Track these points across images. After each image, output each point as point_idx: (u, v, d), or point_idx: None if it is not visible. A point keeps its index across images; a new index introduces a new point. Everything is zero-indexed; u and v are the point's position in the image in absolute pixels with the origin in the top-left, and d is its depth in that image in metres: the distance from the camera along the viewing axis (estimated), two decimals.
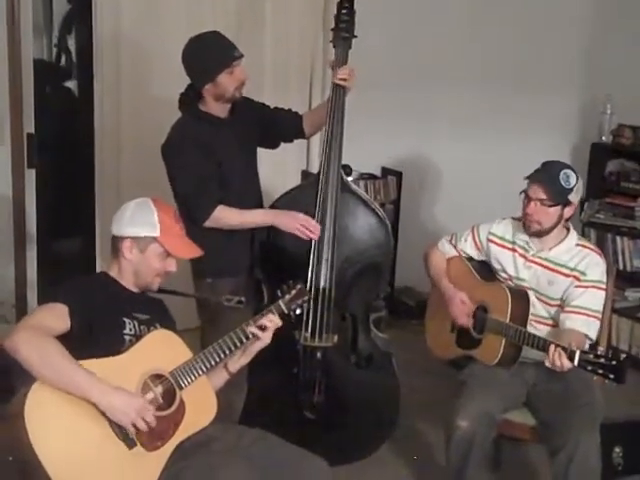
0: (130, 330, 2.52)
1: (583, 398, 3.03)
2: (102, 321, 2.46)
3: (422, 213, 5.73)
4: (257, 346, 2.66)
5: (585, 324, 3.02)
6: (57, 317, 2.39)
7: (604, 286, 3.12)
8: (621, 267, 4.95)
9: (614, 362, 2.62)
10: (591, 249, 3.17)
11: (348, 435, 3.41)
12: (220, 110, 3.26)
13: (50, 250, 4.95)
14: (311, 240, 3.23)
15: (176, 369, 2.49)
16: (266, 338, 2.65)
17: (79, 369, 2.28)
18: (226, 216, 3.19)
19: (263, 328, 2.63)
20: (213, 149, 3.19)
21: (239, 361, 2.68)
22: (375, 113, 5.16)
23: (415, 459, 3.71)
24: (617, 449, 3.58)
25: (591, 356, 2.68)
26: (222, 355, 2.56)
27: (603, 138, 5.26)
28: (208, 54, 3.15)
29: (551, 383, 3.10)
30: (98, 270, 4.51)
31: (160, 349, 2.51)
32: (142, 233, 2.56)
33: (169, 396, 2.47)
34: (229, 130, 3.26)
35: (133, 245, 2.57)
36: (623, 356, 2.63)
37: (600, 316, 3.08)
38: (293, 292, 2.73)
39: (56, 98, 5.30)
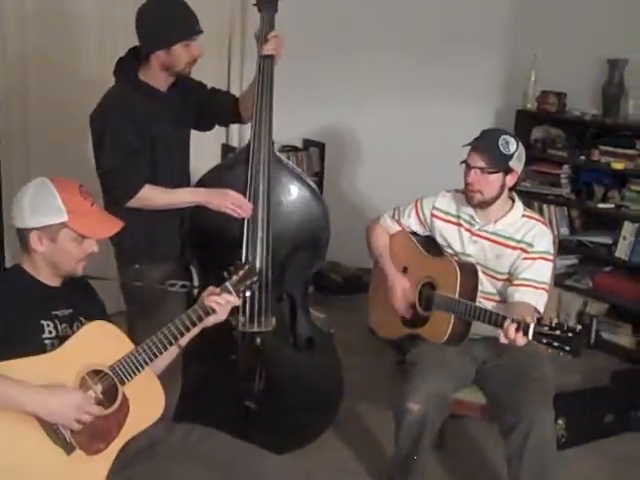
0: (50, 333, 2.27)
1: (534, 372, 2.96)
2: (16, 330, 2.19)
3: (346, 185, 5.63)
4: (210, 321, 2.48)
5: (534, 296, 2.93)
6: None
7: (551, 257, 3.04)
8: None
9: (570, 334, 2.51)
10: (537, 220, 3.08)
11: (292, 422, 3.26)
12: (161, 82, 3.00)
13: None
14: (243, 218, 3.04)
15: (117, 363, 2.27)
16: (222, 314, 2.48)
17: (4, 381, 2.05)
18: (150, 196, 2.94)
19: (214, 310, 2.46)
20: (147, 123, 2.93)
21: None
22: (295, 83, 4.87)
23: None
24: (560, 421, 3.55)
25: (546, 328, 2.56)
26: (169, 343, 2.35)
27: (528, 105, 5.24)
28: (170, 19, 2.89)
29: (500, 358, 3.03)
30: (9, 264, 4.15)
31: (97, 342, 2.28)
32: (48, 221, 2.24)
33: (111, 393, 2.26)
34: (167, 106, 3.02)
35: (42, 236, 2.26)
36: (579, 327, 2.52)
37: (548, 287, 2.99)
38: (241, 273, 2.52)
39: None
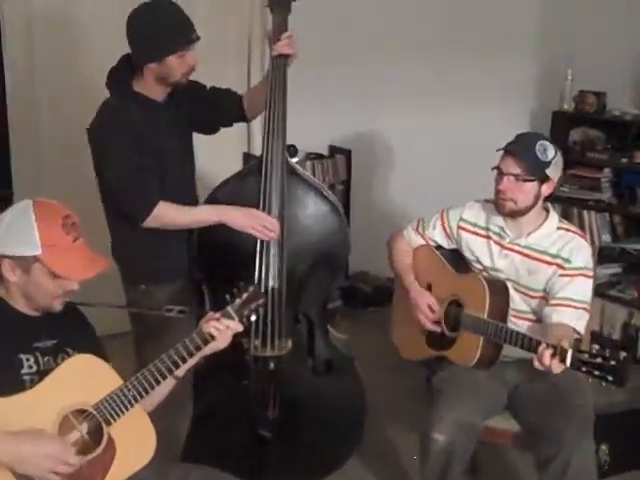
0: (30, 368, 2.07)
1: (574, 399, 2.72)
2: None
3: (374, 192, 5.43)
4: (210, 349, 2.28)
5: (574, 317, 2.68)
6: None
7: (591, 273, 2.79)
8: None
9: (613, 362, 2.28)
10: (574, 232, 2.84)
11: (310, 452, 3.04)
12: (157, 93, 2.79)
13: None
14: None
15: (102, 401, 2.07)
16: (222, 341, 2.27)
17: None
18: (169, 214, 2.74)
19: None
20: (149, 137, 2.73)
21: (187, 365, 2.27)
22: (318, 88, 4.83)
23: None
24: (603, 446, 3.31)
25: (586, 355, 2.34)
26: (162, 376, 2.15)
27: (565, 106, 5.01)
28: (162, 29, 2.67)
29: (535, 383, 2.78)
30: None
31: (80, 378, 2.08)
32: (20, 252, 2.03)
33: (98, 433, 2.06)
34: (165, 115, 2.81)
35: (14, 266, 2.05)
36: (623, 355, 2.30)
37: (589, 307, 2.75)
38: (245, 295, 2.30)
39: None
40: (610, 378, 2.28)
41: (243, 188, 2.90)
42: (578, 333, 2.68)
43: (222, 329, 2.25)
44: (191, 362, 2.25)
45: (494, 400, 2.82)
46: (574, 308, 2.69)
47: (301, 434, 3.02)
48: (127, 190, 2.70)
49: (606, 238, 4.77)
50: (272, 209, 2.83)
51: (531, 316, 2.84)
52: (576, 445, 2.58)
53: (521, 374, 2.83)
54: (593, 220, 4.81)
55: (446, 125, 5.19)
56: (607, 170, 4.80)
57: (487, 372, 2.80)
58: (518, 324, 2.79)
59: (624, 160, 4.67)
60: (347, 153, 5.13)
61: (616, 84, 4.82)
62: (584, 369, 2.33)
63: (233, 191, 2.90)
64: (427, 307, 2.94)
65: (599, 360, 2.30)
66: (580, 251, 2.77)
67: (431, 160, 5.19)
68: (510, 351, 2.71)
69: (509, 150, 2.75)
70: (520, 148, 2.73)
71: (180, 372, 2.25)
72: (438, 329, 2.92)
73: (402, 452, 3.50)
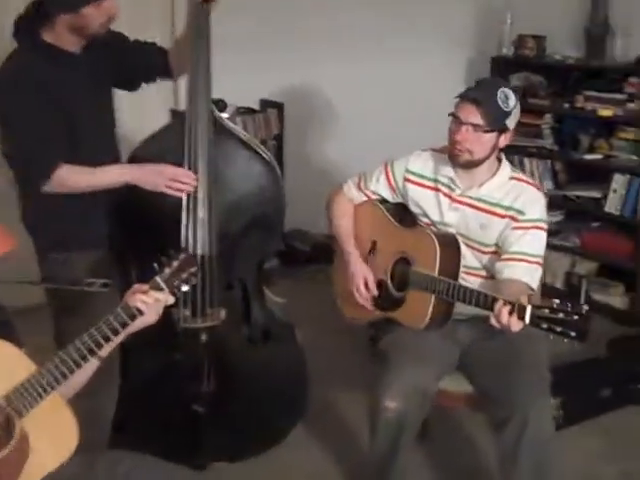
0: None
1: (528, 356, 2.57)
2: None
3: (309, 147, 5.19)
4: (137, 325, 2.04)
5: (527, 272, 2.52)
6: None
7: (545, 225, 2.62)
8: None
9: (575, 316, 2.11)
10: (528, 182, 2.66)
11: (250, 426, 2.85)
12: (71, 44, 2.51)
13: None
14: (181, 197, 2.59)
15: (13, 390, 1.83)
16: (151, 315, 2.04)
17: None
18: (70, 177, 2.48)
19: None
20: (59, 93, 2.46)
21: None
22: (248, 40, 4.54)
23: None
24: (554, 400, 3.14)
25: (546, 311, 2.16)
26: (83, 359, 1.92)
27: (504, 50, 4.87)
28: None
29: (488, 341, 2.62)
30: None
31: None
32: None
33: (7, 429, 1.82)
34: (80, 69, 2.53)
35: None
36: (585, 308, 2.13)
37: (542, 261, 2.58)
38: (175, 264, 2.07)
39: None
40: (573, 334, 2.12)
41: (166, 146, 2.65)
42: (531, 289, 2.51)
43: (150, 302, 2.01)
44: (116, 341, 2.01)
45: (446, 361, 2.65)
46: (527, 262, 2.53)
47: (239, 408, 2.81)
48: (25, 153, 2.47)
49: (548, 185, 4.68)
50: (199, 168, 2.59)
51: (482, 272, 2.67)
52: (531, 404, 2.44)
53: (474, 332, 2.67)
54: (535, 167, 4.73)
55: (383, 76, 4.99)
56: (548, 116, 4.71)
57: (438, 332, 2.62)
58: (469, 281, 2.62)
59: (566, 105, 4.57)
60: (279, 107, 4.91)
61: (556, 27, 4.70)
62: (545, 326, 2.16)
63: (155, 149, 2.65)
64: (363, 283, 2.75)
65: (561, 315, 2.13)
66: (534, 202, 2.61)
67: (368, 112, 4.99)
68: (462, 309, 2.54)
69: (470, 98, 2.52)
70: (482, 96, 2.51)
71: (104, 352, 2.01)
72: (373, 308, 2.76)
73: (349, 420, 3.32)
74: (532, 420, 2.42)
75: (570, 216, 4.72)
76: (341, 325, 3.07)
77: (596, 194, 4.46)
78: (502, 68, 4.82)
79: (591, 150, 4.50)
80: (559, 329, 2.14)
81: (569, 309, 2.13)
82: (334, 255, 3.06)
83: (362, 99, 4.96)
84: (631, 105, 4.25)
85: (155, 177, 2.55)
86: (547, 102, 4.67)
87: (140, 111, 4.04)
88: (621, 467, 3.07)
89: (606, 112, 4.31)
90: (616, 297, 4.41)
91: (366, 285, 2.76)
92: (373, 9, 4.90)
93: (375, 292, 2.75)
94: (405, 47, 5.00)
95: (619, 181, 4.29)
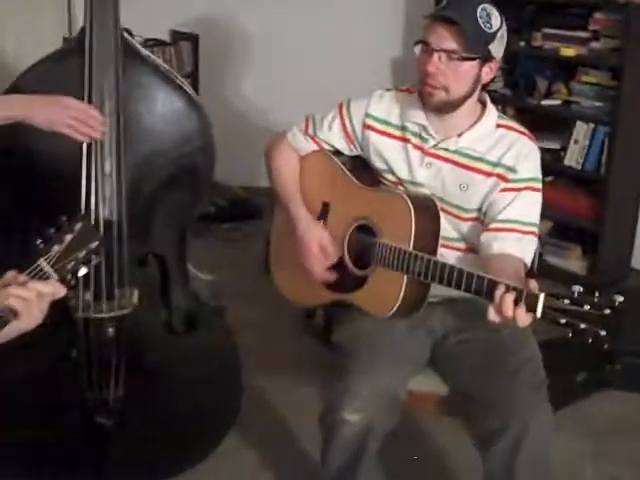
0: None
1: (520, 351, 2.11)
2: None
3: (227, 88, 4.83)
4: (10, 333, 1.49)
5: (520, 245, 2.05)
6: None
7: (540, 185, 2.14)
8: None
9: (607, 310, 1.64)
10: (520, 131, 2.20)
11: (170, 438, 2.31)
12: None
13: None
14: (82, 142, 2.06)
15: None
16: (34, 316, 1.48)
17: None
18: None
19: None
20: None
21: None
22: None
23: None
24: None
25: (566, 301, 1.67)
26: None
27: None
28: None
29: (469, 332, 2.15)
30: None
31: None
32: None
33: None
34: None
35: None
36: (619, 299, 1.65)
37: (537, 230, 2.12)
38: (68, 238, 1.51)
39: None
40: (603, 333, 1.64)
41: (59, 74, 2.16)
42: (526, 267, 2.04)
43: (30, 298, 1.44)
44: None
45: (419, 359, 2.16)
46: (520, 233, 2.06)
47: (156, 417, 2.28)
48: None
49: None
50: (103, 102, 2.07)
51: (461, 244, 2.17)
52: (529, 412, 1.98)
53: (450, 319, 2.19)
54: None
55: (313, 16, 4.63)
56: None
57: (407, 321, 2.11)
58: (444, 255, 2.11)
59: (521, 44, 4.14)
60: (193, 39, 4.71)
61: None
62: (563, 321, 1.67)
63: (44, 78, 2.15)
64: (318, 249, 2.20)
65: (586, 308, 1.65)
66: (528, 156, 2.14)
67: (294, 46, 4.61)
68: (438, 289, 2.03)
69: (442, 17, 1.99)
70: (458, 14, 1.97)
71: None
72: (332, 278, 2.21)
73: (286, 410, 2.85)
74: (532, 432, 1.97)
75: None
76: (266, 292, 2.52)
77: (554, 145, 4.08)
78: None
79: (549, 95, 4.13)
80: (583, 325, 1.65)
81: (597, 300, 1.65)
82: (270, 216, 2.49)
83: (285, 31, 4.60)
84: (596, 44, 3.84)
85: (55, 112, 2.00)
86: None
87: (27, 40, 3.54)
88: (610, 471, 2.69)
89: (569, 51, 3.89)
90: (573, 260, 4.07)
91: (323, 250, 2.21)
92: None
93: (334, 259, 2.20)
94: None
95: (581, 131, 3.89)
